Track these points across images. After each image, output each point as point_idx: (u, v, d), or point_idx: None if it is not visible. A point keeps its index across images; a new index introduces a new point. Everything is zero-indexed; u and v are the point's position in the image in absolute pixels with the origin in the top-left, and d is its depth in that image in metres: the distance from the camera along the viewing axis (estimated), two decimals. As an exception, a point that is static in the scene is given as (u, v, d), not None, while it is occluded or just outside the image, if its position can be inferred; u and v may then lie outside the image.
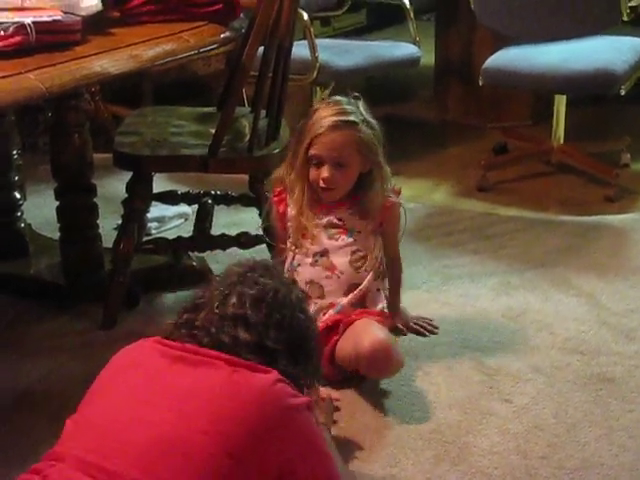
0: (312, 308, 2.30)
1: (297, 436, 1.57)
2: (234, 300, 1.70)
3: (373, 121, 2.38)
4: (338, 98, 2.41)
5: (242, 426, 1.51)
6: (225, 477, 1.49)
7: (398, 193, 2.47)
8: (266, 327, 1.68)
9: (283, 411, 1.56)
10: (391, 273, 2.51)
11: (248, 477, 1.50)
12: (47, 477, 1.45)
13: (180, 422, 1.51)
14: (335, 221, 2.41)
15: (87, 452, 1.49)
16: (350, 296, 2.38)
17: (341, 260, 2.39)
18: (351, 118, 2.33)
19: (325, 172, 2.33)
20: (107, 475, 1.45)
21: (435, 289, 2.83)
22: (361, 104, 2.40)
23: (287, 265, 2.44)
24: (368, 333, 2.24)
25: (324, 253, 2.40)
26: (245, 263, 1.82)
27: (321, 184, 2.35)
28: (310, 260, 2.40)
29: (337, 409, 2.22)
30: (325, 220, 2.41)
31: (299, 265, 2.42)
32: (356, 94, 2.43)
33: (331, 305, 2.38)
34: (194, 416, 1.51)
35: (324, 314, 2.37)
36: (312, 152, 2.34)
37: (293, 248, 2.44)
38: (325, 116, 2.33)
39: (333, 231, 2.41)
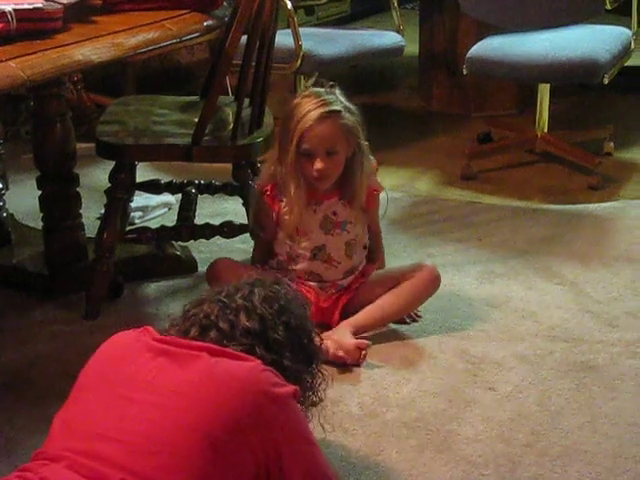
0: (316, 285, 2.54)
1: (282, 425, 1.56)
2: (244, 293, 1.72)
3: (352, 106, 2.47)
4: (316, 90, 2.48)
5: (225, 416, 1.51)
6: (210, 473, 1.48)
7: (376, 168, 2.61)
8: (274, 322, 1.70)
9: (266, 399, 1.55)
10: (374, 255, 2.65)
11: (234, 471, 1.50)
12: (39, 474, 1.45)
13: (165, 420, 1.50)
14: (330, 216, 2.53)
15: (77, 453, 1.49)
16: (350, 278, 2.58)
17: (337, 253, 2.54)
18: (334, 107, 2.41)
19: (318, 163, 2.42)
20: (97, 475, 1.44)
21: (419, 278, 2.83)
22: (338, 92, 2.47)
23: (283, 254, 2.56)
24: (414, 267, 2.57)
25: (322, 248, 2.53)
26: (257, 275, 1.85)
27: (315, 175, 2.43)
28: (309, 255, 2.53)
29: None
30: (321, 215, 2.52)
31: (297, 256, 2.54)
32: (332, 83, 2.50)
33: (333, 285, 2.56)
34: (178, 413, 1.51)
35: (327, 292, 2.55)
36: (304, 147, 2.41)
37: (288, 241, 2.54)
38: (309, 110, 2.40)
39: (329, 226, 2.53)
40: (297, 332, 1.74)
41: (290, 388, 1.60)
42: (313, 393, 1.81)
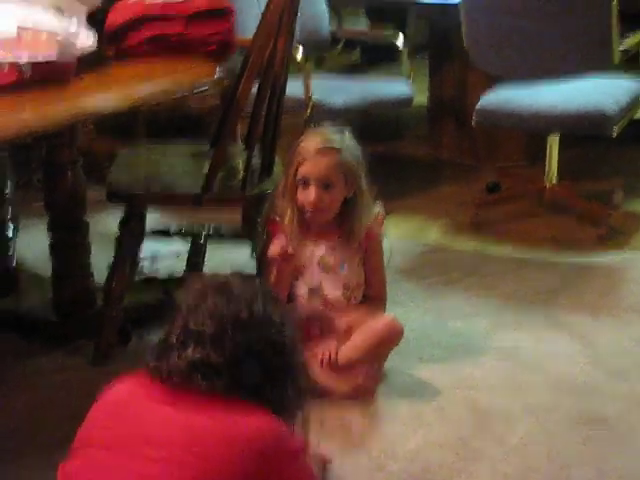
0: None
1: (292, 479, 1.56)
2: (194, 342, 1.62)
3: (357, 149, 2.53)
4: (322, 128, 2.58)
5: (237, 474, 1.49)
6: None
7: (382, 221, 2.61)
8: (234, 363, 1.58)
9: (276, 454, 1.54)
10: (372, 305, 2.59)
11: None
12: None
13: (171, 476, 1.49)
14: (328, 256, 2.54)
15: None
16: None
17: (334, 294, 2.54)
18: (334, 145, 2.50)
19: (312, 193, 2.47)
20: None
21: (427, 328, 2.82)
22: (347, 134, 2.55)
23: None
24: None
25: (318, 289, 2.53)
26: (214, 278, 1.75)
27: (308, 206, 2.48)
28: (306, 296, 2.54)
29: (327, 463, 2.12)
30: (319, 253, 2.54)
31: (297, 298, 2.54)
32: (342, 127, 2.57)
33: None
34: (186, 468, 1.49)
35: None
36: (300, 174, 2.48)
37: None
38: (311, 143, 2.50)
39: (327, 266, 2.54)
40: (265, 350, 1.63)
41: (300, 443, 1.60)
42: (295, 398, 1.69)
